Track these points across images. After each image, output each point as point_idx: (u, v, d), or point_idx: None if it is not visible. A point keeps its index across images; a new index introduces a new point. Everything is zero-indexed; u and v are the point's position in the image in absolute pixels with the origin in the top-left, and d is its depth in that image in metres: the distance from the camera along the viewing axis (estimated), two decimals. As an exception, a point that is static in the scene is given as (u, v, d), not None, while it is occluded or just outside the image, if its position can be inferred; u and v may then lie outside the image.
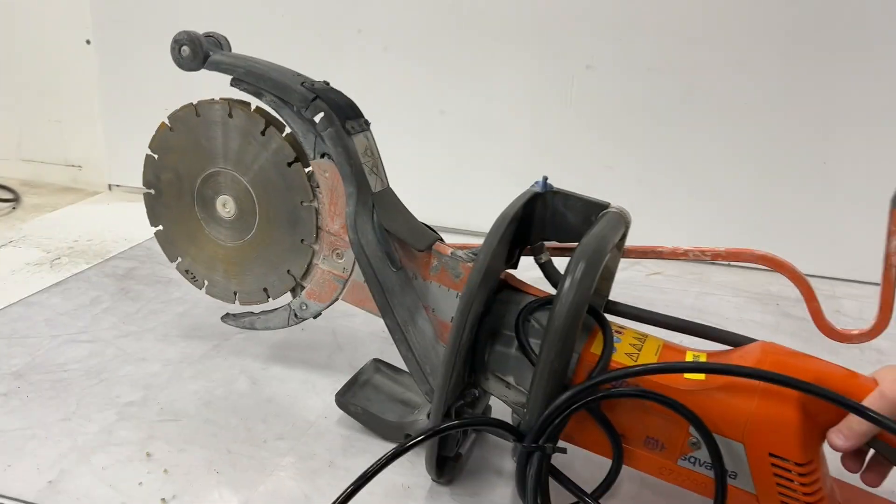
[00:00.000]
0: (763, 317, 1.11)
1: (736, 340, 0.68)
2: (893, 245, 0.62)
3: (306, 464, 0.75)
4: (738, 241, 1.33)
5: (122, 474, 0.73)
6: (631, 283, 1.23)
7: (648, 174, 1.36)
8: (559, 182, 1.39)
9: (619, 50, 1.29)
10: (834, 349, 0.95)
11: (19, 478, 0.72)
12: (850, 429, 0.57)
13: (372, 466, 0.55)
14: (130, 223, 1.49)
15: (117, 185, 1.76)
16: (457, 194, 1.49)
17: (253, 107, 0.80)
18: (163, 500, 0.69)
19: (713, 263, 0.67)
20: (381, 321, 0.76)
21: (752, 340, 0.68)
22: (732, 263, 1.29)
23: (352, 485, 0.55)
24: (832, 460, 0.61)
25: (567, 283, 0.58)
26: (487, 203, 1.48)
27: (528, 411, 0.60)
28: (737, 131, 1.28)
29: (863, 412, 0.55)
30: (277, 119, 0.79)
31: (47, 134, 1.77)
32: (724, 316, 1.11)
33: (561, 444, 0.61)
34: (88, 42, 1.64)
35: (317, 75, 1.50)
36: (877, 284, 1.25)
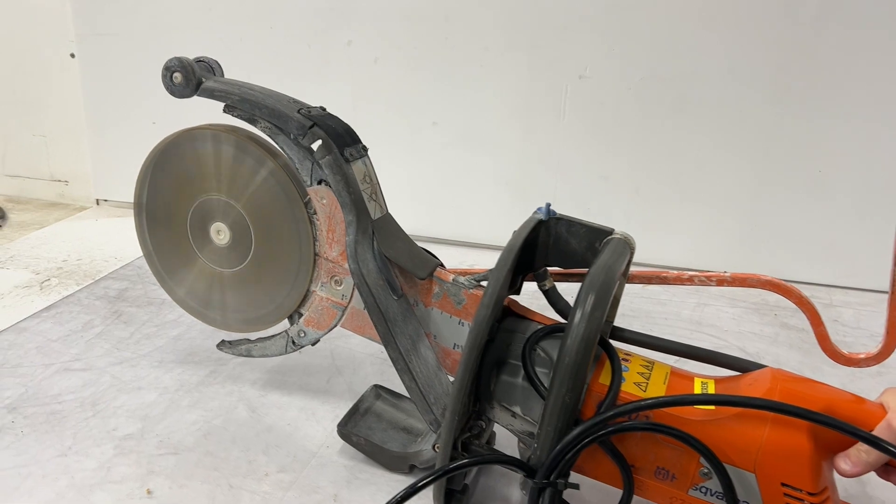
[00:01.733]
0: (762, 328, 1.11)
1: (743, 366, 0.68)
2: (900, 268, 0.61)
3: (310, 498, 0.73)
4: (734, 250, 1.34)
5: (123, 513, 0.71)
6: (628, 295, 1.22)
7: (644, 184, 1.35)
8: (554, 193, 1.40)
9: (612, 60, 1.29)
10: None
11: (16, 520, 0.70)
12: (859, 457, 0.57)
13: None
14: (120, 240, 1.48)
15: (105, 200, 1.74)
16: (450, 206, 1.48)
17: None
18: (165, 540, 0.68)
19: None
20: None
21: (759, 366, 0.67)
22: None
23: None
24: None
25: (578, 316, 0.57)
26: (482, 214, 1.49)
27: (539, 446, 0.59)
28: (731, 139, 1.28)
29: (877, 444, 0.54)
30: (271, 145, 0.78)
31: (32, 149, 1.75)
32: (723, 328, 1.11)
33: (572, 477, 0.61)
34: (73, 56, 1.61)
35: (307, 88, 1.48)
36: (873, 291, 1.26)
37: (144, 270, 1.25)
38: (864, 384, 0.94)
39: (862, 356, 0.67)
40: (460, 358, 0.61)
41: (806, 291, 0.72)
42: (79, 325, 1.10)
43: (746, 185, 1.30)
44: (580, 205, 1.38)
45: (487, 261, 1.39)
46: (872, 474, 0.59)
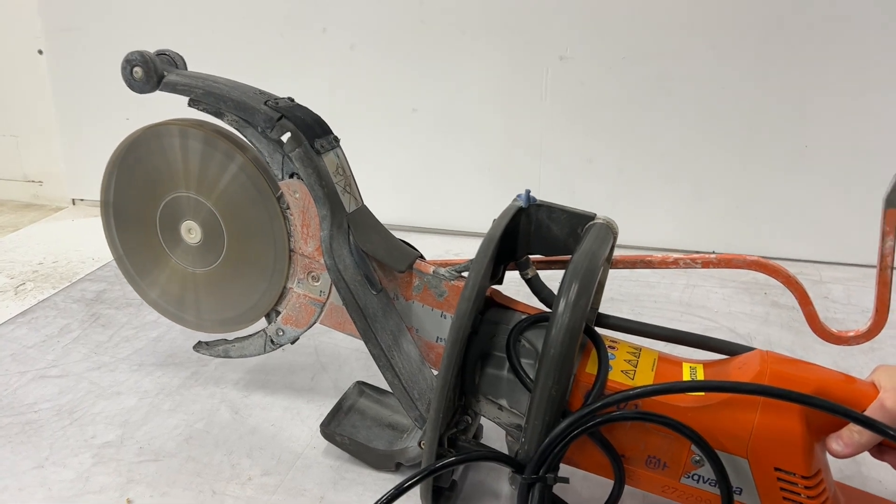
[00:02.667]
0: (752, 308, 1.10)
1: (732, 349, 0.66)
2: (888, 246, 0.60)
3: (296, 500, 0.72)
4: (721, 229, 1.33)
5: (102, 525, 0.69)
6: (616, 279, 1.21)
7: (628, 165, 1.33)
8: (538, 178, 1.37)
9: (593, 39, 1.26)
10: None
11: (-8, 537, 0.68)
12: (852, 438, 0.57)
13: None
14: (97, 240, 1.43)
15: (81, 200, 1.71)
16: (432, 193, 1.45)
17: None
18: (146, 551, 0.66)
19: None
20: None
21: (747, 348, 0.65)
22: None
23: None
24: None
25: (561, 305, 0.55)
26: (464, 201, 1.46)
27: (527, 441, 0.58)
28: (716, 117, 1.26)
29: (870, 425, 0.53)
30: (240, 139, 0.75)
31: (4, 150, 1.70)
32: (714, 309, 1.10)
33: (562, 471, 0.59)
34: (41, 52, 1.57)
35: (281, 77, 1.45)
36: (862, 266, 1.25)
37: (122, 271, 1.22)
38: (856, 361, 0.93)
39: (851, 334, 0.65)
40: (443, 352, 0.59)
41: (794, 268, 0.71)
42: (55, 330, 1.07)
43: (731, 163, 1.28)
44: (564, 188, 1.37)
45: (471, 249, 1.36)
46: (867, 454, 0.57)
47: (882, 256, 0.61)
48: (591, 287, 0.56)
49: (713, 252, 1.36)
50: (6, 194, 1.74)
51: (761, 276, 1.20)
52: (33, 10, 1.52)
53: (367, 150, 1.42)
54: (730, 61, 1.22)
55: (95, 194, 1.76)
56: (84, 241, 1.44)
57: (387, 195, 1.37)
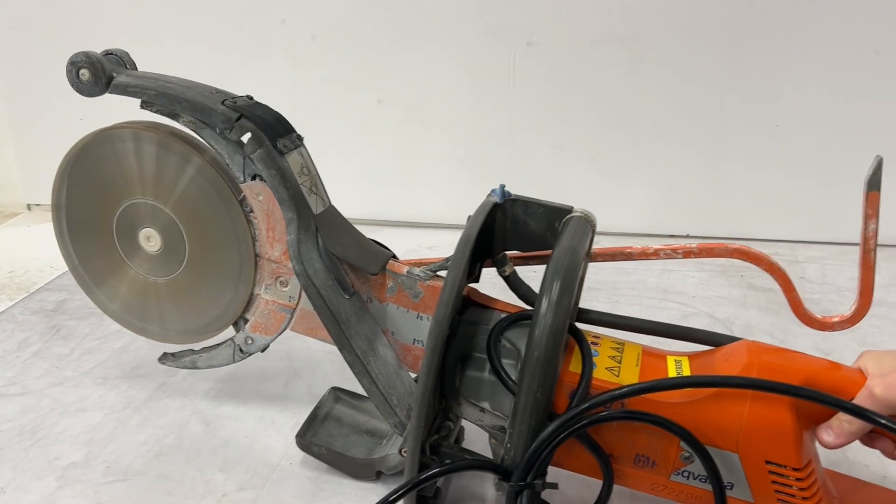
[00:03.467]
0: (730, 291, 1.09)
1: (717, 340, 0.65)
2: (870, 229, 0.59)
3: (274, 516, 0.69)
4: (696, 212, 1.32)
5: (69, 553, 0.66)
6: (592, 266, 1.19)
7: (600, 150, 1.32)
8: (508, 166, 1.35)
9: (561, 24, 1.24)
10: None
11: (-50, 572, 0.64)
12: (842, 427, 0.56)
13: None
14: (55, 247, 1.38)
15: (37, 205, 1.64)
16: (402, 186, 1.42)
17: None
18: (117, 579, 0.62)
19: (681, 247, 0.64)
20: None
21: (732, 339, 0.64)
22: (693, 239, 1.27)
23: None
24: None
25: (544, 305, 0.53)
26: (435, 193, 1.43)
27: (512, 447, 0.56)
28: (686, 100, 1.25)
29: (863, 414, 0.52)
30: (197, 140, 0.71)
31: (-47, 156, 1.63)
32: (691, 294, 1.09)
33: (550, 473, 0.57)
34: (-15, 53, 1.49)
35: (241, 71, 1.41)
36: (835, 244, 1.25)
37: (83, 279, 1.17)
38: (836, 342, 0.92)
39: (836, 319, 0.64)
40: (423, 358, 0.56)
41: (770, 249, 0.70)
42: (14, 345, 1.02)
43: (703, 145, 1.27)
44: (536, 176, 1.35)
45: (443, 241, 1.35)
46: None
47: (864, 240, 0.60)
48: (574, 285, 0.54)
49: (687, 235, 1.36)
50: (-43, 202, 1.67)
51: (736, 259, 1.21)
52: (-27, 11, 1.45)
53: (333, 144, 1.38)
54: (700, 42, 1.20)
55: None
56: (41, 249, 1.38)
57: (354, 189, 1.34)
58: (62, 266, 1.28)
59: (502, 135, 1.33)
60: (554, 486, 0.56)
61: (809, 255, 1.22)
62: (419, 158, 1.39)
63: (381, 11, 1.29)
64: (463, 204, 1.41)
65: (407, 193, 1.42)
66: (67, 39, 1.43)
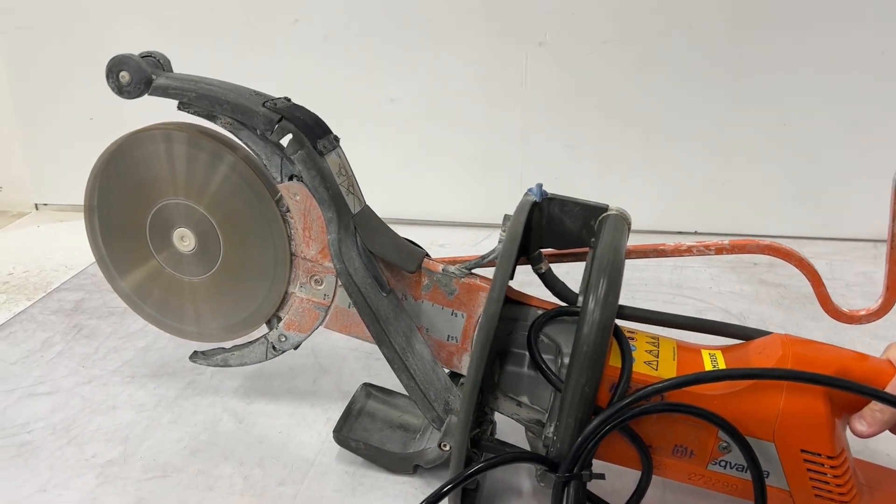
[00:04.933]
0: (741, 287, 1.12)
1: (747, 334, 0.67)
2: (897, 226, 0.61)
3: (316, 510, 0.70)
4: (704, 209, 1.34)
5: (116, 549, 0.67)
6: (606, 263, 1.21)
7: (610, 150, 1.34)
8: (520, 165, 1.37)
9: (572, 24, 1.25)
10: (816, 315, 0.96)
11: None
12: (874, 417, 0.58)
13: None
14: (68, 246, 1.39)
15: (45, 204, 1.64)
16: (413, 184, 1.44)
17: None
18: (166, 573, 0.64)
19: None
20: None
21: (762, 333, 0.66)
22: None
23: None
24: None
25: (592, 302, 0.55)
26: (446, 191, 1.45)
27: (559, 439, 0.57)
28: (695, 98, 1.27)
29: (896, 403, 0.54)
30: (229, 138, 0.72)
31: (-41, 156, 1.62)
32: (703, 289, 1.11)
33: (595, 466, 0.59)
34: (-7, 53, 1.49)
35: (254, 71, 1.41)
36: (842, 240, 1.28)
37: (99, 278, 1.15)
38: (848, 335, 0.95)
39: (863, 313, 0.67)
40: (472, 354, 0.58)
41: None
42: (37, 345, 1.03)
43: (712, 144, 1.29)
44: (547, 175, 1.35)
45: (456, 239, 1.37)
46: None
47: (892, 236, 0.62)
48: (619, 282, 0.56)
49: (695, 231, 1.38)
50: (-36, 202, 1.66)
51: (746, 254, 1.23)
52: (-18, 9, 1.45)
53: (345, 142, 1.38)
54: (708, 43, 1.23)
55: (60, 198, 1.69)
56: (54, 248, 1.38)
57: (367, 187, 1.34)
58: (76, 266, 1.29)
59: (514, 134, 1.35)
60: (601, 476, 0.58)
61: (817, 251, 1.24)
62: (431, 157, 1.40)
63: (394, 12, 1.30)
64: (473, 202, 1.44)
65: (419, 192, 1.43)
66: (75, 39, 1.43)
